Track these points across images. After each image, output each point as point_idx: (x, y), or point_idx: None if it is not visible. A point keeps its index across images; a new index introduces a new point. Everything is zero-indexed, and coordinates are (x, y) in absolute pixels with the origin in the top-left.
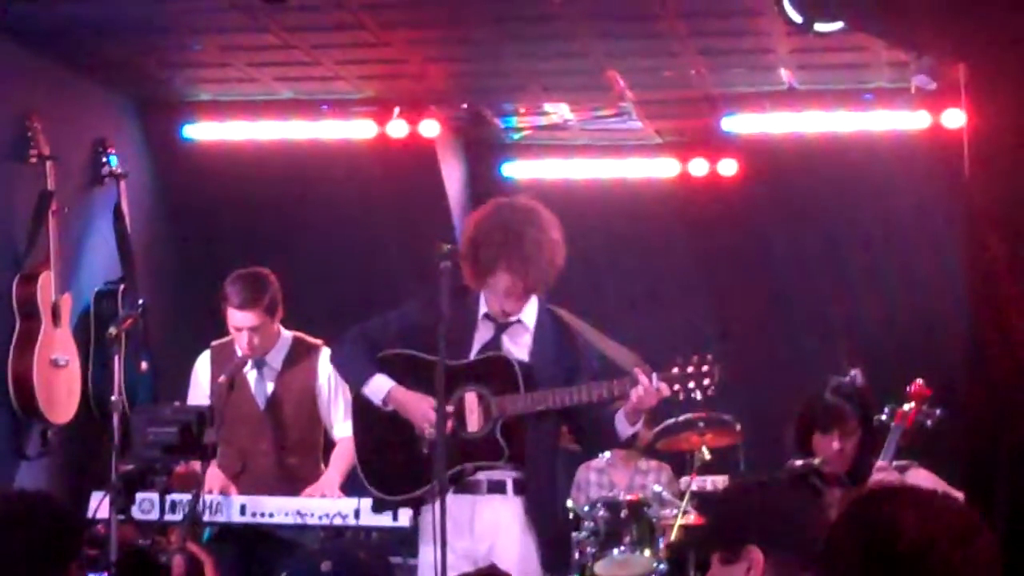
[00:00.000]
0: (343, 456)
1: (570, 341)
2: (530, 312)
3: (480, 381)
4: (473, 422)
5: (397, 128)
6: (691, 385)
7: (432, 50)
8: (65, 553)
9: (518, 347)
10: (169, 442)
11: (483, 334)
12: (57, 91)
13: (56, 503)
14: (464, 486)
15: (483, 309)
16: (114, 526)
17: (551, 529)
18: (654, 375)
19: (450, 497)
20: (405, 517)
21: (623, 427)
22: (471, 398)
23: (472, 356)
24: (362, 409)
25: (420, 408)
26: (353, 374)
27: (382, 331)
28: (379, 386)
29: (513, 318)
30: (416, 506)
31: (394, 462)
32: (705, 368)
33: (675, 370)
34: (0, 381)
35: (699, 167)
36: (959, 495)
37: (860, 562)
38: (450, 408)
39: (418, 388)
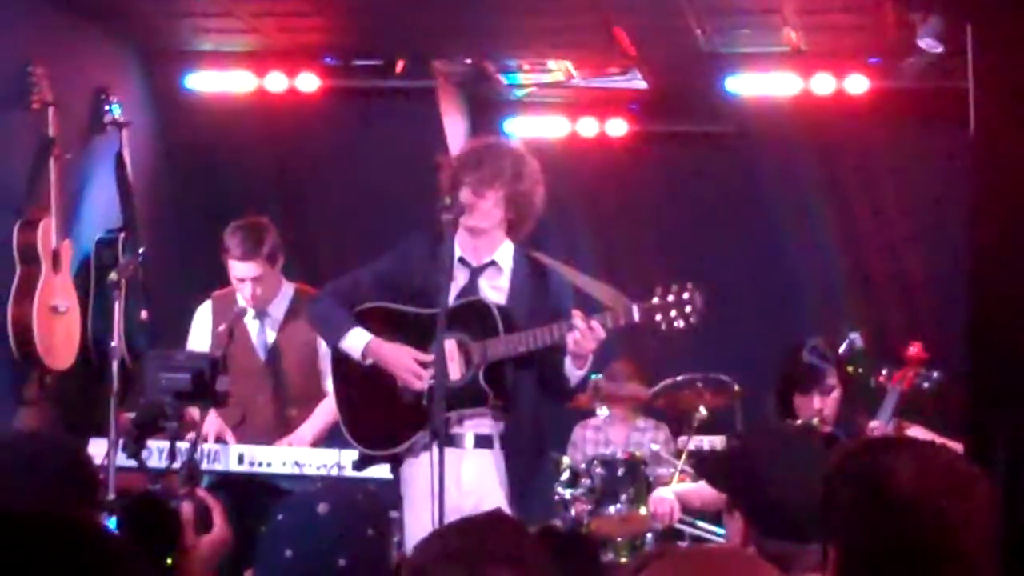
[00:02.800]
0: (325, 411)
1: (546, 281)
2: (505, 254)
3: (459, 327)
4: (455, 369)
5: (402, 79)
6: (673, 314)
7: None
8: (78, 497)
9: (495, 290)
10: (181, 388)
11: (459, 280)
12: (59, 38)
13: (68, 446)
14: (449, 440)
15: (457, 254)
16: (112, 471)
17: (537, 481)
18: (634, 307)
19: (434, 452)
20: None
21: (571, 371)
22: (451, 345)
23: (450, 303)
24: (341, 364)
25: (401, 359)
26: (329, 330)
27: (356, 286)
28: (357, 340)
29: (487, 260)
30: (397, 461)
31: (377, 417)
32: (686, 296)
33: (655, 300)
34: None
35: (698, 128)
36: (958, 447)
37: (854, 511)
38: (429, 357)
39: (397, 340)
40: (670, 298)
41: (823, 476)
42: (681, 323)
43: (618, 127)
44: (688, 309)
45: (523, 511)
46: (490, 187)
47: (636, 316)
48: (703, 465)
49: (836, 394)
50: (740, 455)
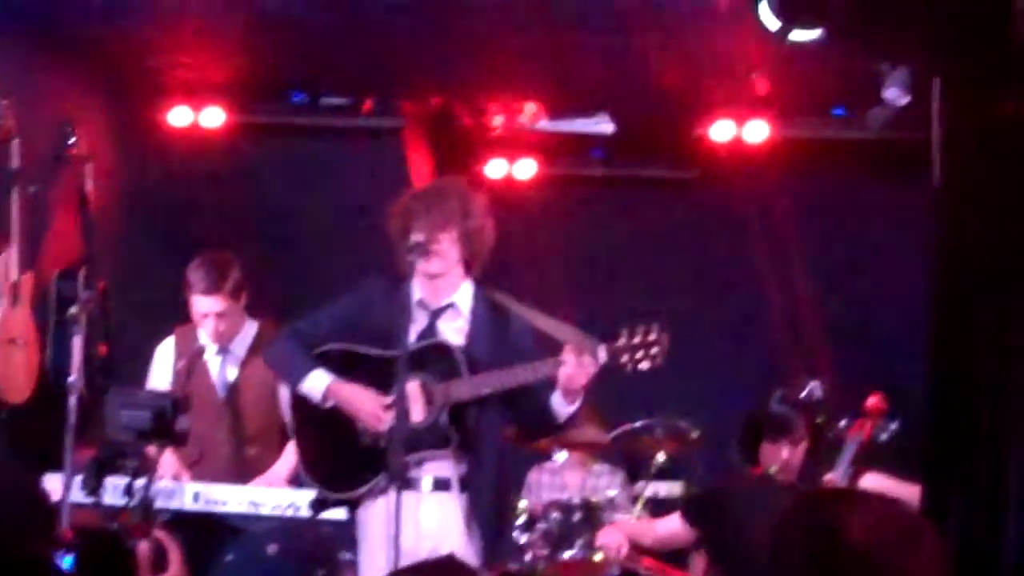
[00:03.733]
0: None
1: (507, 322)
2: (464, 296)
3: (421, 369)
4: (417, 411)
5: (367, 122)
6: (639, 355)
7: (407, 45)
8: (34, 532)
9: (454, 332)
10: (142, 426)
11: (418, 322)
12: (25, 70)
13: (24, 480)
14: (406, 483)
15: (416, 296)
16: (67, 508)
17: (494, 526)
18: (601, 347)
19: (392, 495)
20: None
21: (560, 408)
22: (413, 387)
23: (410, 345)
24: (301, 407)
25: (363, 401)
26: (289, 371)
27: (316, 327)
28: (318, 381)
29: (446, 302)
30: (354, 504)
31: (336, 459)
32: (652, 337)
33: (621, 341)
34: None
35: (667, 173)
36: (915, 490)
37: (805, 563)
38: (391, 399)
39: (358, 382)
40: (636, 339)
41: (774, 528)
42: (647, 364)
43: (587, 169)
44: (654, 350)
45: (489, 557)
46: (443, 230)
47: (602, 356)
48: (684, 501)
49: (804, 445)
50: (720, 497)
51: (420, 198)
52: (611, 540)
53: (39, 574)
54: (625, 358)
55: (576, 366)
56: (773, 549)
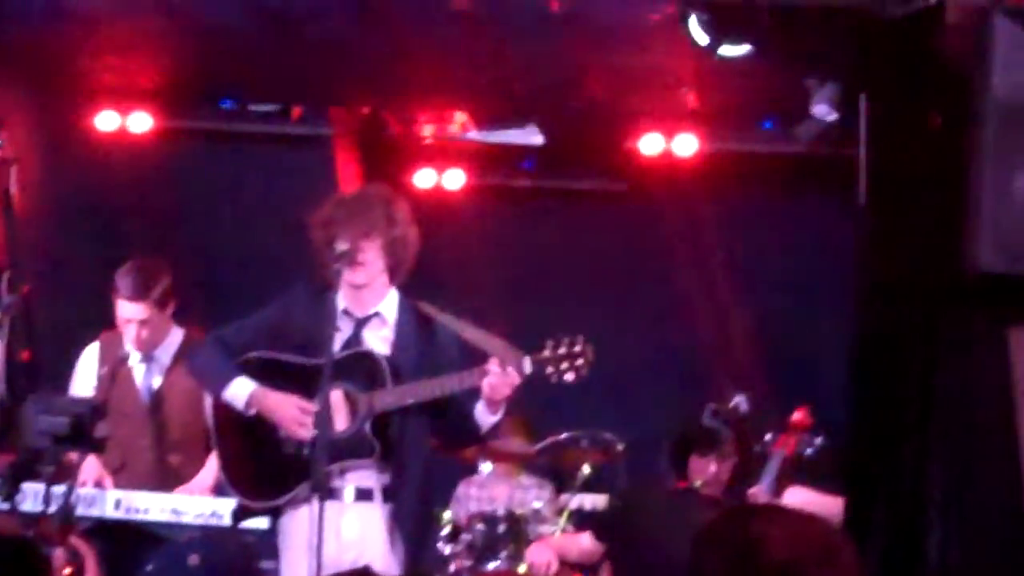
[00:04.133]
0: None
1: (432, 332)
2: (390, 305)
3: (345, 378)
4: (341, 420)
5: (295, 129)
6: (564, 366)
7: (337, 53)
8: None
9: (379, 341)
10: (60, 432)
11: (343, 331)
12: None
13: None
14: (329, 492)
15: (341, 305)
16: None
17: (417, 536)
18: (525, 358)
19: (315, 504)
20: None
21: (483, 418)
22: (336, 396)
23: (335, 354)
24: (222, 414)
25: (286, 409)
26: (212, 379)
27: (240, 335)
28: (241, 389)
29: (372, 311)
30: (276, 513)
31: (258, 468)
32: (577, 348)
33: (546, 352)
34: None
35: (596, 185)
36: (839, 503)
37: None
38: (315, 407)
39: (282, 390)
40: (561, 350)
41: (693, 541)
42: (571, 375)
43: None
44: (579, 361)
45: (412, 567)
46: (367, 239)
47: (527, 367)
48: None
49: (732, 460)
50: (622, 510)
51: (343, 206)
52: (540, 558)
53: None
54: (550, 369)
55: (500, 377)
56: (692, 563)
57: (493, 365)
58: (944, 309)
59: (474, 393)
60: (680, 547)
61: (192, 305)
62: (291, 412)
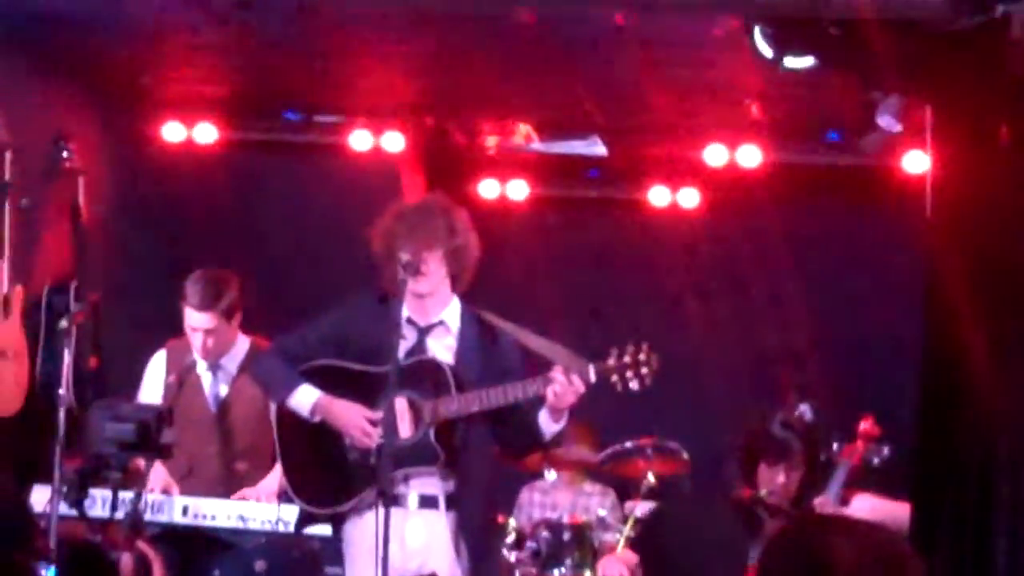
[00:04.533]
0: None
1: (495, 341)
2: (452, 314)
3: (410, 386)
4: (405, 428)
5: (360, 140)
6: (628, 375)
7: (400, 63)
8: (14, 544)
9: (443, 349)
10: (126, 439)
11: (407, 339)
12: (19, 83)
13: (6, 492)
14: (393, 499)
15: (405, 314)
16: (54, 519)
17: (481, 544)
18: (590, 367)
19: (380, 511)
20: None
21: (547, 426)
22: (401, 404)
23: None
24: (287, 422)
25: (351, 417)
26: (276, 386)
27: (303, 344)
28: (306, 397)
29: (435, 319)
30: (338, 520)
31: (322, 474)
32: (642, 357)
33: (611, 361)
34: None
35: (660, 196)
36: (906, 508)
37: None
38: (379, 415)
39: (345, 398)
40: (626, 359)
41: (761, 552)
42: (636, 384)
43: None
44: (644, 370)
45: (476, 575)
46: (429, 249)
47: (592, 376)
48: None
49: (801, 470)
50: (654, 521)
51: (404, 217)
52: (613, 572)
53: None
54: (615, 378)
55: (565, 385)
56: (761, 569)
57: (558, 373)
58: (1011, 321)
59: (538, 401)
60: (706, 553)
61: (257, 315)
62: (356, 420)
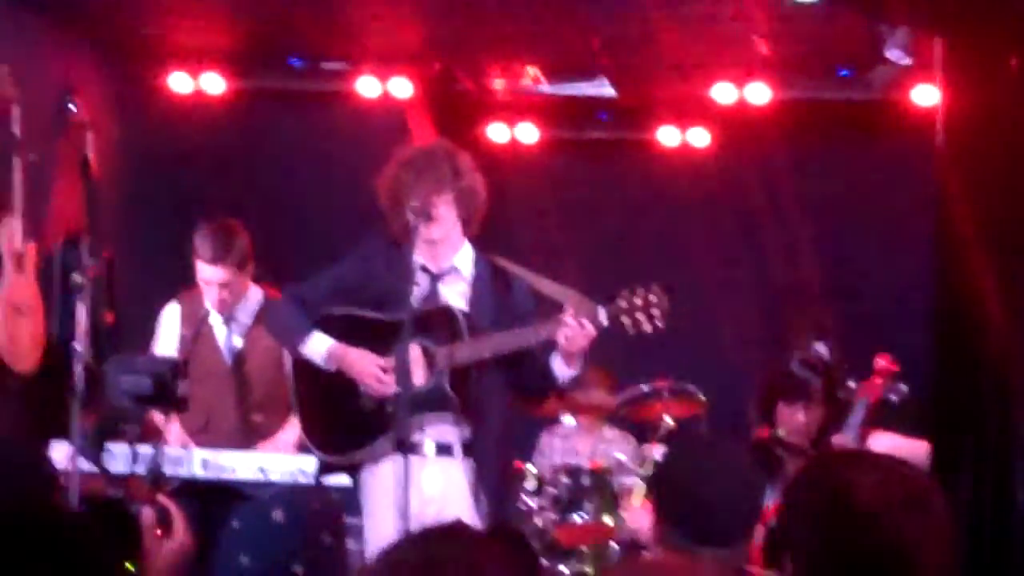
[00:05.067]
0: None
1: (508, 286)
2: (465, 260)
3: (422, 333)
4: (419, 375)
5: (367, 86)
6: (639, 316)
7: (406, 8)
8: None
9: (456, 296)
10: (142, 392)
11: (420, 286)
12: (24, 37)
13: (26, 448)
14: (411, 447)
15: (419, 261)
16: (74, 475)
17: (498, 490)
18: (601, 309)
19: (396, 459)
20: None
21: (561, 370)
22: (415, 351)
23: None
24: (301, 370)
25: (365, 365)
26: (290, 335)
27: (315, 292)
28: (319, 345)
29: (447, 266)
30: (355, 469)
31: (337, 423)
32: (653, 299)
33: (622, 303)
34: None
35: (670, 136)
36: (924, 445)
37: (815, 522)
38: (392, 362)
39: (359, 346)
40: (636, 300)
41: (783, 490)
42: (648, 326)
43: (590, 132)
44: (655, 312)
45: (494, 521)
46: (438, 194)
47: (603, 318)
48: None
49: (820, 409)
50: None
51: (408, 165)
52: (643, 523)
53: (51, 533)
54: (626, 320)
55: (576, 328)
56: (782, 510)
57: (568, 316)
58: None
59: (551, 346)
60: (717, 492)
61: (268, 264)
62: (370, 368)
